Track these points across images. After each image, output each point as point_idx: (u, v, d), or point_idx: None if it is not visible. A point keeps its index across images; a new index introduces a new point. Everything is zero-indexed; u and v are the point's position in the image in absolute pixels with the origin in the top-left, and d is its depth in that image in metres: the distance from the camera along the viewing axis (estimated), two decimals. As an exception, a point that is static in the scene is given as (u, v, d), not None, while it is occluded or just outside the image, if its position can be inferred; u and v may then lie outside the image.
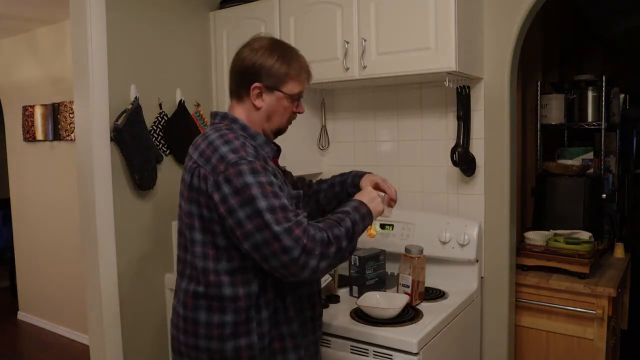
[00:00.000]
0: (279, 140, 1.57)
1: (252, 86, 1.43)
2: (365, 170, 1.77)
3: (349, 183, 1.74)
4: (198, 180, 1.34)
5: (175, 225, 2.52)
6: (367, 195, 1.52)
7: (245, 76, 1.45)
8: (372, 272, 2.10)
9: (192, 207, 1.37)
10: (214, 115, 1.50)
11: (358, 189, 1.69)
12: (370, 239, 1.63)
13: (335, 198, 1.74)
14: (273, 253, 1.26)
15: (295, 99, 1.49)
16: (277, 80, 1.44)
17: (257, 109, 1.45)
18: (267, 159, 1.41)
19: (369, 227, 1.51)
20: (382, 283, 2.15)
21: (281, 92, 1.45)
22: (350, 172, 1.78)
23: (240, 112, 1.47)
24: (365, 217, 1.45)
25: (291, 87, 1.46)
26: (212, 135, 1.38)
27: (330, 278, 2.05)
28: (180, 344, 1.43)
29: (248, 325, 1.37)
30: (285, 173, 1.59)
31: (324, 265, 1.29)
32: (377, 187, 1.66)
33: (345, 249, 1.34)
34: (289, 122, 1.54)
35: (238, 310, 1.36)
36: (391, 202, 1.66)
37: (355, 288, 2.07)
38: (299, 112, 1.53)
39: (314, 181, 1.84)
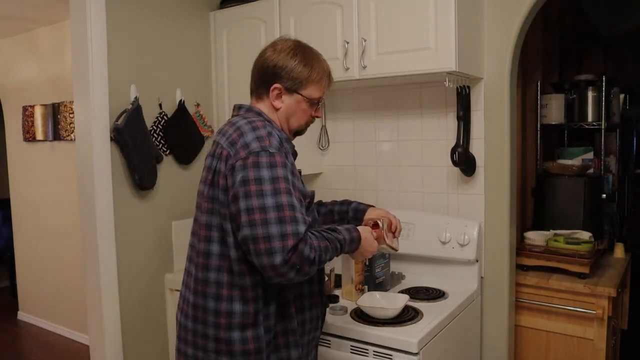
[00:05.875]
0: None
1: (272, 87, 1.45)
2: (367, 203, 1.81)
3: (351, 217, 1.78)
4: (220, 162, 1.35)
5: (175, 225, 2.53)
6: (368, 248, 1.53)
7: (266, 76, 1.46)
8: (381, 270, 2.12)
9: (214, 190, 1.38)
10: (239, 107, 1.51)
11: (360, 222, 1.74)
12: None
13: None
14: (257, 251, 1.27)
15: (315, 103, 1.51)
16: (298, 83, 1.45)
17: (276, 109, 1.48)
18: (288, 152, 1.42)
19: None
20: (388, 281, 2.17)
21: (301, 95, 1.47)
22: (351, 203, 1.81)
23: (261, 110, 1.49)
24: (352, 251, 1.49)
25: (311, 91, 1.48)
26: (240, 122, 1.40)
27: (327, 278, 2.05)
28: (187, 331, 1.43)
29: (256, 317, 1.37)
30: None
31: (298, 278, 1.31)
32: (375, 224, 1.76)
33: (318, 268, 1.36)
34: (307, 125, 1.56)
35: (246, 300, 1.37)
36: (396, 232, 1.70)
37: (365, 287, 2.08)
38: (317, 117, 1.55)
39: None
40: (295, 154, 1.53)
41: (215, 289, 1.38)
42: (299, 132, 1.55)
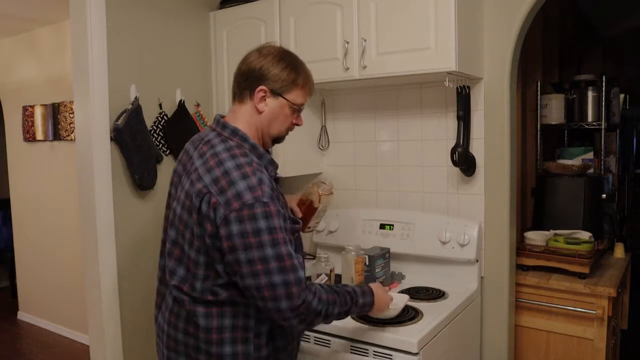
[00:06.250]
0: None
1: (258, 89, 1.43)
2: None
3: None
4: (207, 207, 1.31)
5: (175, 225, 2.52)
6: (383, 299, 1.62)
7: (251, 79, 1.44)
8: (381, 270, 2.12)
9: (200, 229, 1.34)
10: (223, 125, 1.44)
11: None
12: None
13: None
14: (262, 297, 1.30)
15: (297, 109, 1.49)
16: (283, 86, 1.44)
17: (259, 112, 1.45)
18: (280, 194, 1.43)
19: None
20: (388, 281, 2.18)
21: (285, 99, 1.45)
22: None
23: (242, 115, 1.45)
24: (366, 305, 1.54)
25: (295, 96, 1.47)
26: (227, 163, 1.34)
27: (326, 278, 2.05)
28: (178, 342, 1.42)
29: (246, 333, 1.38)
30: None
31: (301, 328, 1.36)
32: (301, 201, 1.84)
33: (326, 322, 1.42)
34: (287, 132, 1.54)
35: (236, 315, 1.38)
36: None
37: None
38: (297, 124, 1.53)
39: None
40: (276, 167, 1.51)
41: (205, 308, 1.38)
42: (278, 139, 1.53)
